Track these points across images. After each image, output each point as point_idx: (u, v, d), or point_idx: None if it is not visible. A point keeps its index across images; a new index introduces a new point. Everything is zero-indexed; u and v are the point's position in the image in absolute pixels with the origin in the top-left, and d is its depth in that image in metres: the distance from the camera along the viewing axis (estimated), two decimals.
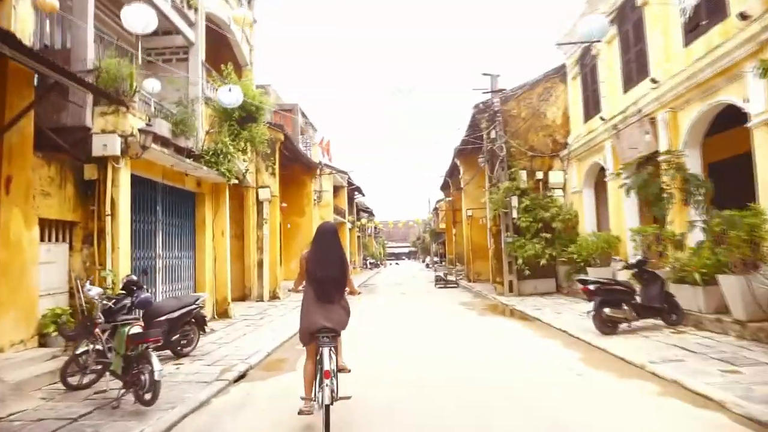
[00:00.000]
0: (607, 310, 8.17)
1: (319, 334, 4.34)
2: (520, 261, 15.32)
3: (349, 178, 36.24)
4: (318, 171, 24.78)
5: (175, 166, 10.00)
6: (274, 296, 16.83)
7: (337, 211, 32.98)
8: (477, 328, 10.38)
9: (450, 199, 28.04)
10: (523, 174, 16.35)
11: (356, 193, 42.28)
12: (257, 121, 13.55)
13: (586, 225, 15.39)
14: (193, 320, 7.67)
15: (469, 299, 16.46)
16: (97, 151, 7.65)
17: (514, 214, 15.88)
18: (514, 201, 15.84)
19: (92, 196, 7.73)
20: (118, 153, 7.72)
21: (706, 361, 6.08)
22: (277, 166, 17.47)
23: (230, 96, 10.00)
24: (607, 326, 8.28)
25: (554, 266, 15.84)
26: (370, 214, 50.78)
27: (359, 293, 5.59)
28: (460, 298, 16.86)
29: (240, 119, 12.95)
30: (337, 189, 35.04)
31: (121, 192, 7.83)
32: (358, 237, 46.92)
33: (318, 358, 4.34)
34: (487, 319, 11.66)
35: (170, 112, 10.68)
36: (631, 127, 11.72)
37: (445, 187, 34.00)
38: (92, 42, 8.06)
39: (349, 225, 37.85)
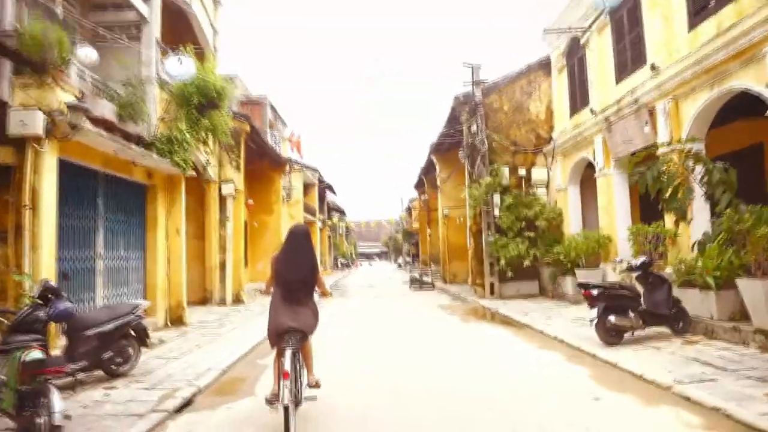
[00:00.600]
0: (612, 318, 7.23)
1: (286, 335, 4.32)
2: (502, 262, 14.40)
3: (320, 175, 35.00)
4: (287, 167, 23.48)
5: (119, 152, 8.68)
6: (237, 300, 15.52)
7: (308, 209, 31.68)
8: (461, 336, 9.36)
9: (425, 197, 27.09)
10: (505, 170, 15.45)
11: (327, 191, 41.02)
12: (219, 108, 12.24)
13: (572, 224, 14.58)
14: (131, 333, 6.40)
15: (448, 302, 15.47)
16: (14, 129, 6.32)
17: (496, 212, 14.97)
18: (496, 198, 14.93)
19: (8, 184, 6.40)
20: (41, 133, 6.40)
21: (741, 381, 5.16)
22: (242, 160, 16.17)
23: (180, 68, 8.83)
24: (612, 336, 7.36)
25: (537, 268, 14.99)
26: (342, 213, 49.53)
27: (330, 295, 5.54)
28: (439, 301, 15.86)
29: (200, 106, 11.60)
30: (307, 187, 33.76)
31: (44, 180, 6.51)
32: (329, 237, 45.63)
33: (283, 358, 4.22)
34: (471, 326, 10.65)
35: (116, 93, 9.35)
36: (625, 119, 10.90)
37: (419, 186, 33.03)
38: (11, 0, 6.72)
39: (319, 224, 36.58)
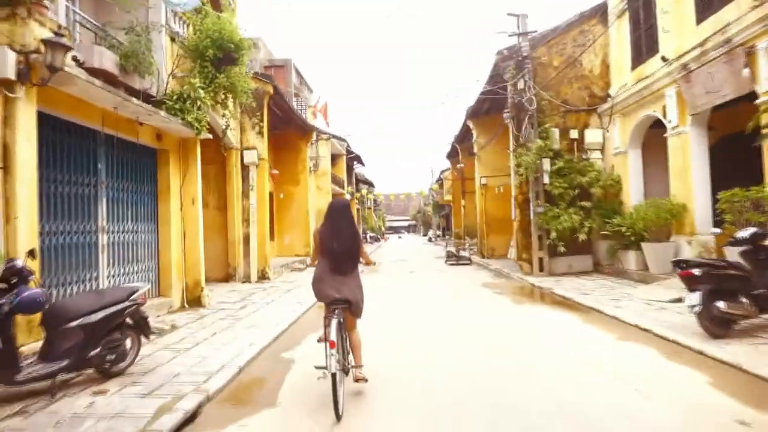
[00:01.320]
0: (721, 305, 5.75)
1: (332, 305, 4.43)
2: (553, 235, 12.89)
3: (348, 146, 33.64)
4: (314, 135, 22.16)
5: (120, 108, 7.45)
6: (263, 276, 14.44)
7: (335, 180, 30.45)
8: (518, 322, 8.00)
9: (461, 165, 25.44)
10: (556, 133, 13.84)
11: (355, 162, 39.70)
12: (237, 63, 10.95)
13: (632, 192, 12.95)
14: (128, 323, 5.24)
15: (492, 279, 14.09)
16: None
17: (546, 180, 13.41)
18: (546, 164, 13.35)
19: None
20: (12, 76, 5.17)
21: None
22: (265, 125, 14.88)
23: None
24: (719, 326, 5.90)
25: (591, 241, 13.44)
26: (370, 185, 48.21)
27: (374, 264, 5.63)
28: (481, 278, 14.49)
29: (216, 60, 10.38)
30: (335, 157, 32.47)
31: (19, 135, 5.30)
32: (357, 209, 44.47)
33: (327, 329, 4.27)
34: (526, 309, 9.27)
35: (118, 42, 8.10)
36: (711, 65, 9.17)
37: (452, 155, 31.41)
38: None
39: (348, 196, 35.35)
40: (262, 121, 14.63)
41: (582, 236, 12.76)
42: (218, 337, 7.01)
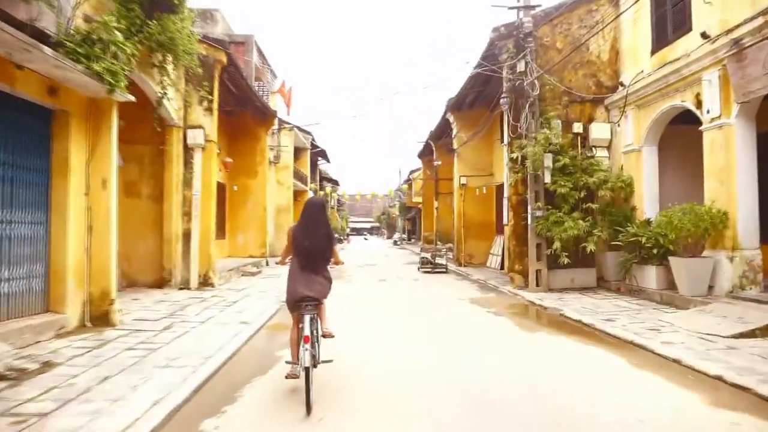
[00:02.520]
0: None
1: (302, 302, 4.49)
2: (556, 244, 10.89)
3: (313, 139, 31.21)
4: (275, 122, 19.68)
5: None
6: (206, 282, 11.92)
7: (298, 175, 27.96)
8: (538, 364, 5.83)
9: (438, 163, 23.34)
10: (558, 125, 11.88)
11: (320, 159, 37.25)
12: (175, 10, 8.60)
13: (645, 196, 11.13)
14: None
15: (479, 293, 11.97)
16: None
17: (547, 178, 11.43)
18: (548, 160, 11.37)
19: None
20: None
21: None
22: (215, 100, 12.38)
23: None
24: None
25: (592, 253, 11.52)
26: (335, 183, 45.77)
27: (343, 263, 5.68)
28: (465, 291, 12.37)
29: (146, 2, 8.07)
30: (298, 151, 29.97)
31: None
32: None
33: (301, 325, 4.45)
34: (541, 341, 7.13)
35: None
36: None
37: (426, 153, 29.40)
38: None
39: (311, 194, 32.87)
40: (211, 95, 12.12)
41: (590, 246, 10.80)
42: (108, 386, 4.58)
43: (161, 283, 11.59)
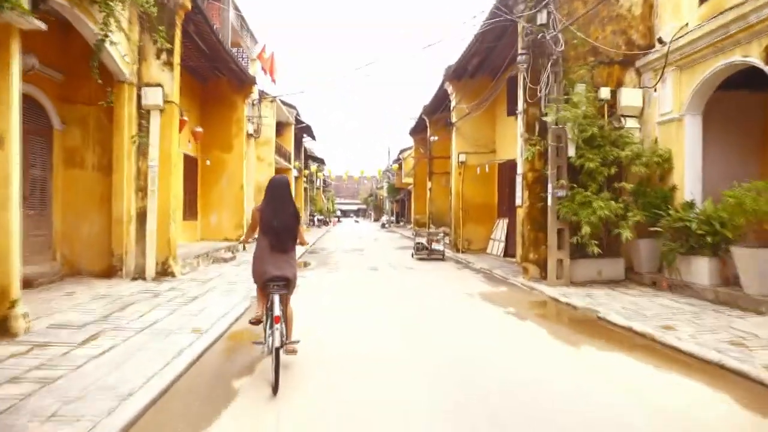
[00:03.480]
0: None
1: (271, 282, 4.45)
2: (585, 230, 9.13)
3: (298, 114, 29.10)
4: (254, 89, 17.60)
5: None
6: (165, 271, 10.01)
7: (281, 152, 25.92)
8: (605, 401, 4.13)
9: (434, 138, 21.33)
10: (582, 89, 10.06)
11: (305, 136, 35.12)
12: None
13: (687, 174, 9.41)
14: None
15: (488, 287, 10.19)
16: None
17: (571, 152, 9.65)
18: (572, 130, 9.58)
19: None
20: None
21: None
22: (176, 52, 10.34)
23: None
24: None
25: (616, 238, 9.84)
26: (321, 162, 43.67)
27: (307, 244, 5.40)
28: (471, 284, 10.60)
29: None
30: (281, 126, 27.95)
31: None
32: (305, 188, 39.94)
33: (269, 305, 4.43)
34: (590, 358, 5.38)
35: None
36: None
37: (418, 130, 27.45)
38: None
39: (295, 172, 30.86)
40: (172, 44, 10.07)
41: (626, 233, 9.05)
42: None
43: (110, 272, 9.68)
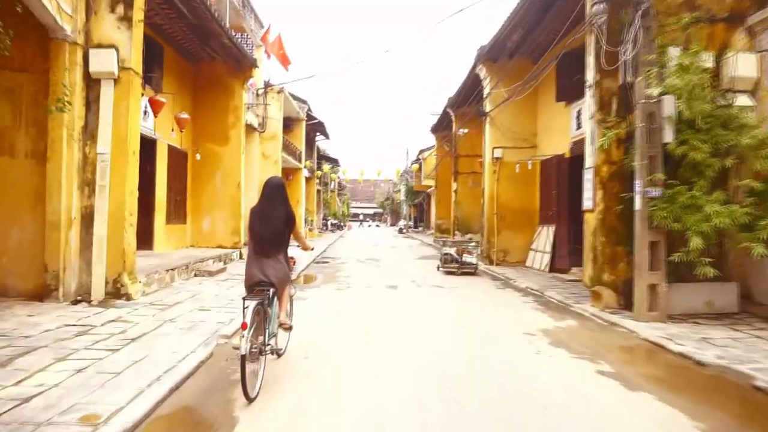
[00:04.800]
0: None
1: (257, 287, 4.38)
2: (695, 242, 6.43)
3: (309, 109, 26.71)
4: (253, 72, 15.17)
5: None
6: (118, 291, 7.55)
7: (289, 149, 23.53)
8: None
9: (463, 131, 18.46)
10: (675, 54, 7.39)
11: (318, 134, 32.72)
12: None
13: None
14: None
15: (550, 320, 7.46)
16: None
17: (668, 137, 6.98)
18: (668, 105, 6.93)
19: None
20: None
21: None
22: (137, 5, 7.90)
23: None
24: None
25: (724, 254, 7.17)
26: (335, 163, 41.23)
27: (311, 249, 5.75)
28: (524, 314, 7.93)
29: None
30: (291, 122, 25.61)
31: None
32: (318, 191, 37.53)
33: (246, 309, 4.01)
34: None
35: None
36: None
37: (441, 127, 24.88)
38: None
39: (306, 172, 28.43)
40: None
41: (758, 249, 6.29)
42: None
43: (43, 292, 7.27)
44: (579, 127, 11.74)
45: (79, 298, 7.35)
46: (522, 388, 4.40)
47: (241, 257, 14.40)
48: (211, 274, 10.80)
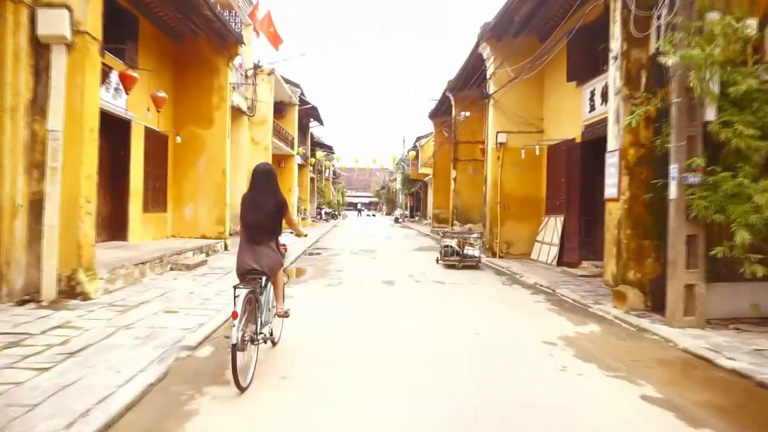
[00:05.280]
0: None
1: (248, 275, 4.33)
2: (742, 236, 5.49)
3: (302, 93, 25.60)
4: (239, 49, 14.08)
5: None
6: (73, 290, 6.57)
7: (280, 135, 22.46)
8: None
9: (465, 114, 17.29)
10: (714, 19, 6.39)
11: (312, 120, 31.62)
12: None
13: None
14: None
15: (568, 324, 6.48)
16: None
17: (710, 115, 6.01)
18: (713, 80, 5.94)
19: None
20: None
21: None
22: None
23: None
24: None
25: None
26: (329, 150, 40.10)
27: (305, 236, 5.57)
28: (539, 315, 6.99)
29: None
30: (283, 107, 24.57)
31: None
32: (312, 179, 36.47)
33: (238, 297, 3.93)
34: None
35: None
36: None
37: (440, 113, 23.84)
38: None
39: (299, 159, 27.38)
40: None
41: None
42: None
43: None
44: (593, 108, 10.78)
45: (26, 297, 6.37)
46: (558, 427, 3.45)
47: (226, 248, 13.43)
48: (189, 267, 9.81)
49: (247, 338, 3.92)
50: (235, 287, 3.99)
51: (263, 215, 4.42)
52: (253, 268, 4.30)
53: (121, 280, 7.68)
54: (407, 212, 47.36)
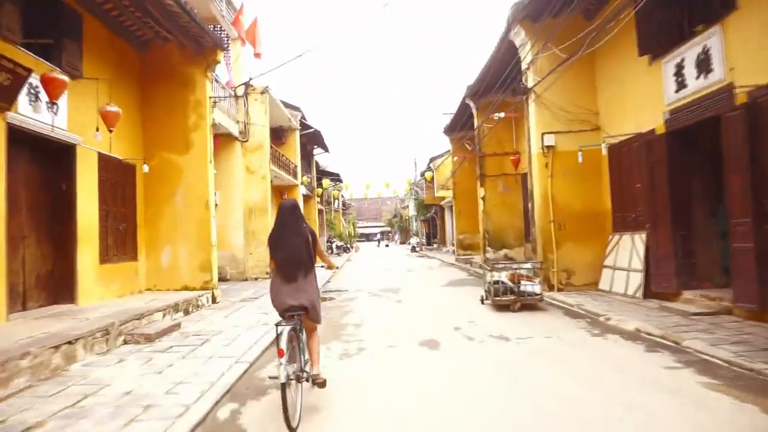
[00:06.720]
0: None
1: (288, 312, 4.26)
2: None
3: (303, 116, 23.19)
4: (219, 56, 11.58)
5: None
6: None
7: (281, 162, 19.90)
8: None
9: (500, 115, 14.05)
10: None
11: (316, 147, 29.19)
12: None
13: None
14: None
15: None
16: None
17: None
18: None
19: None
20: None
21: None
22: None
23: None
24: None
25: None
26: (337, 179, 37.55)
27: (337, 268, 5.52)
28: (685, 400, 4.14)
29: None
30: (282, 132, 22.16)
31: None
32: (321, 211, 33.85)
33: (280, 335, 3.91)
34: None
35: None
36: None
37: (457, 127, 21.16)
38: None
39: (304, 190, 24.81)
40: None
41: None
42: None
43: None
44: (682, 86, 8.06)
45: None
46: None
47: (214, 301, 10.72)
48: (149, 339, 7.05)
49: (292, 377, 3.89)
50: (277, 324, 3.95)
51: (296, 251, 4.38)
52: (293, 305, 4.23)
53: (22, 376, 4.95)
54: (423, 240, 44.45)
